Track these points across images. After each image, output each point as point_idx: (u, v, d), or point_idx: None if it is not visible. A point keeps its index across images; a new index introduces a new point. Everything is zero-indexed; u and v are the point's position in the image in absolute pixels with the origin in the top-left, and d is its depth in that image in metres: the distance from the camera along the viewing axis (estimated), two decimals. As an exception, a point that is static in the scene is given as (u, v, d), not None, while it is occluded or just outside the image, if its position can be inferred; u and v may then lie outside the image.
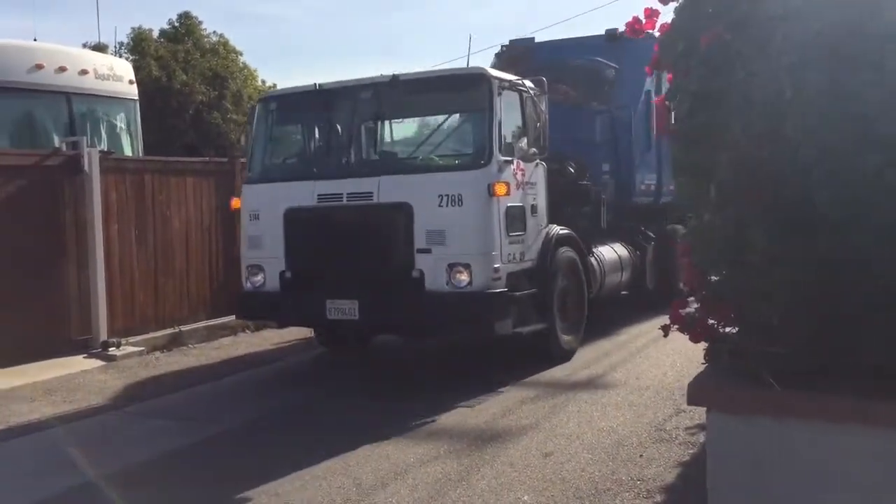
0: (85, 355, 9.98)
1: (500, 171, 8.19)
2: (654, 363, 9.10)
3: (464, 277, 7.96)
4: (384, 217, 8.35)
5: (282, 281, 8.70)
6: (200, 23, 33.30)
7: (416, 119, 10.38)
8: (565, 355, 9.31)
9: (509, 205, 8.31)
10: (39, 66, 11.96)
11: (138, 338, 10.49)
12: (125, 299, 10.74)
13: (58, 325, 10.04)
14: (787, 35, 3.47)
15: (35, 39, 13.56)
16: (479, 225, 8.07)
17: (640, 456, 6.05)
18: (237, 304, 9.65)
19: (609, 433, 6.62)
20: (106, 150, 11.50)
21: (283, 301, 8.71)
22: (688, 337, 3.96)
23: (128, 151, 13.12)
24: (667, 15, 4.06)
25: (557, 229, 9.32)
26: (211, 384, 9.05)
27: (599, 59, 11.85)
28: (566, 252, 9.43)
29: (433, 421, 7.12)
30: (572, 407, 7.43)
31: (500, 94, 8.38)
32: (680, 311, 3.95)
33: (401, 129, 10.38)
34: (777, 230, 3.50)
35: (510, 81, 8.68)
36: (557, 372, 8.89)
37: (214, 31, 33.49)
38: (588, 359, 9.51)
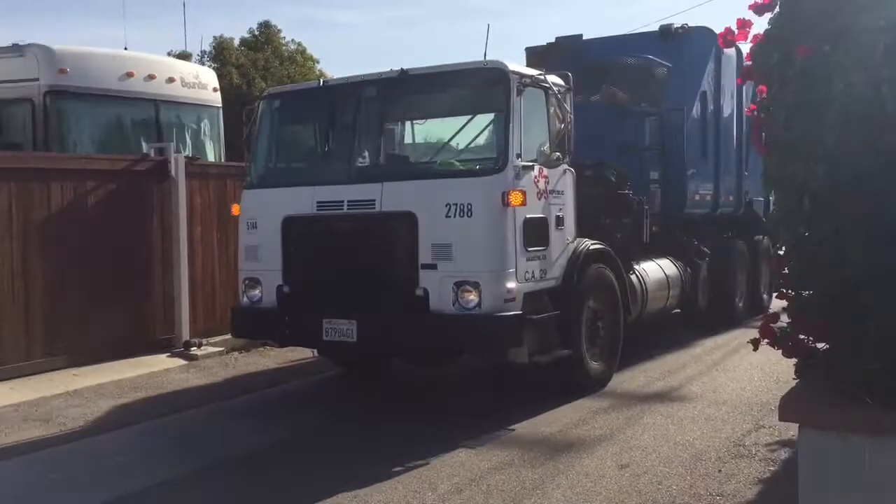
0: (168, 354, 10.06)
1: (518, 177, 7.15)
2: (731, 377, 8.75)
3: (472, 298, 6.93)
4: (386, 228, 7.41)
5: (279, 296, 7.79)
6: (279, 31, 33.96)
7: (427, 119, 9.11)
8: (594, 386, 8.11)
9: (528, 216, 7.25)
10: (130, 75, 12.22)
11: (218, 338, 10.48)
12: (206, 301, 10.79)
13: (143, 324, 10.14)
14: (889, 46, 3.37)
15: (126, 48, 13.98)
16: (491, 238, 7.04)
17: (719, 471, 5.82)
18: (232, 320, 8.54)
19: (686, 447, 6.38)
20: (191, 155, 11.78)
21: (279, 319, 7.78)
22: (780, 352, 3.86)
23: (211, 157, 13.13)
24: (759, 25, 3.99)
25: (588, 244, 8.13)
26: (285, 386, 9.01)
27: (651, 56, 10.82)
28: (598, 269, 8.27)
29: (506, 430, 6.94)
30: (647, 419, 7.19)
31: (519, 90, 7.28)
32: (771, 325, 3.87)
33: (410, 130, 9.15)
34: (875, 243, 3.39)
35: (531, 77, 7.54)
36: (630, 383, 8.56)
37: (293, 40, 34.10)
38: (663, 370, 9.15)
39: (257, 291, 7.96)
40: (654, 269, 10.12)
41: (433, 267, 7.07)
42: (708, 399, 7.90)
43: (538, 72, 7.79)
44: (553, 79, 7.81)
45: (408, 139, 9.08)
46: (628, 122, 10.45)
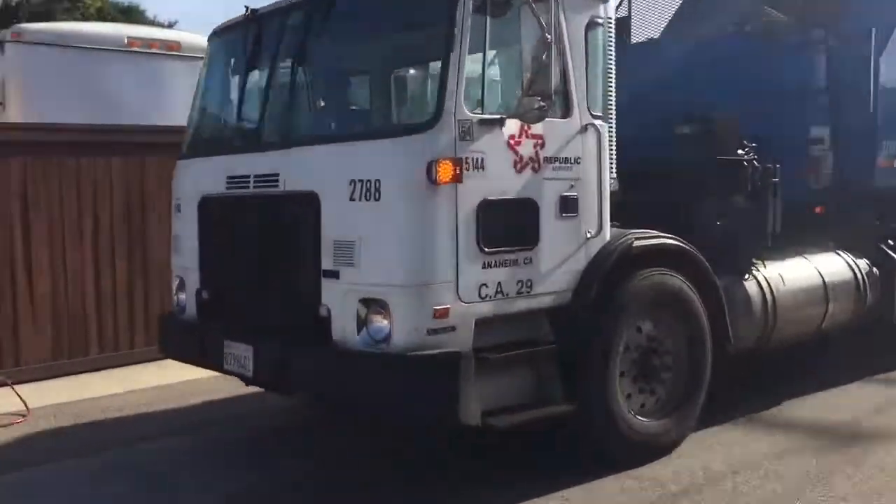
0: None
1: (467, 138, 4.52)
2: None
3: (382, 324, 4.53)
4: (287, 215, 5.09)
5: (198, 303, 5.75)
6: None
7: (359, 55, 5.94)
8: (641, 455, 5.27)
9: (490, 198, 4.62)
10: None
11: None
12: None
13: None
14: None
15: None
16: (405, 233, 4.51)
17: None
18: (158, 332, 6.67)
19: None
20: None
21: (190, 334, 5.80)
22: None
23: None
24: None
25: (631, 238, 5.28)
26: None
27: None
28: (655, 277, 5.38)
29: (785, 412, 6.26)
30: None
31: (479, 1, 4.59)
32: None
33: (338, 73, 6.03)
34: None
35: None
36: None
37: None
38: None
39: (183, 296, 5.96)
40: (801, 273, 6.77)
41: (335, 275, 4.71)
42: None
43: None
44: None
45: (335, 85, 6.06)
46: (782, 57, 7.11)
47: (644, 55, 7.58)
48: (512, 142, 4.74)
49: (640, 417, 5.33)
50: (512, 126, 4.70)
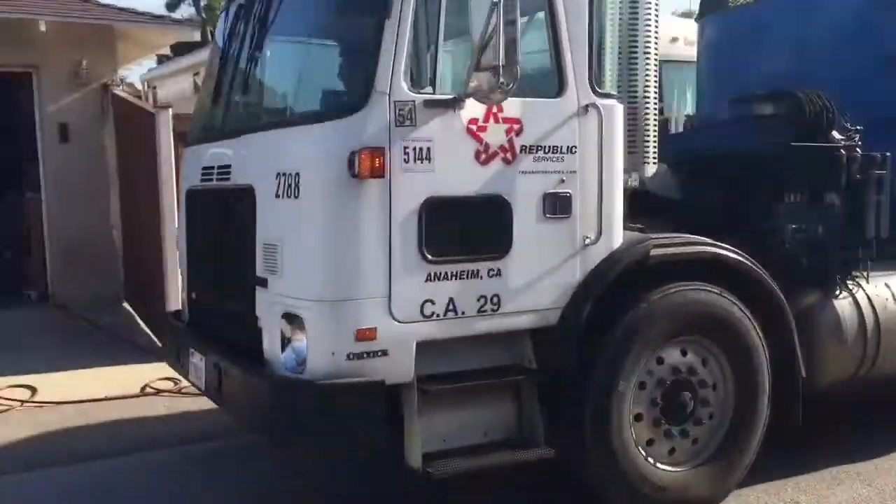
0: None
1: (407, 122, 3.71)
2: None
3: (302, 344, 3.80)
4: (232, 212, 4.42)
5: (187, 304, 5.19)
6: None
7: (305, 30, 5.00)
8: None
9: (437, 195, 3.79)
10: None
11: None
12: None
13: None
14: None
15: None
16: (323, 238, 3.76)
17: None
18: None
19: None
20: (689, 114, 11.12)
21: (171, 336, 5.35)
22: None
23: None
24: None
25: (650, 244, 4.25)
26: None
27: None
28: (679, 295, 4.28)
29: None
30: None
31: None
32: None
33: (285, 52, 5.15)
34: None
35: None
36: None
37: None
38: None
39: (184, 295, 5.36)
40: None
41: (264, 284, 4.03)
42: None
43: None
44: None
45: (293, 65, 5.18)
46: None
47: (743, 20, 6.40)
48: (474, 127, 3.85)
49: (661, 466, 4.32)
50: (474, 108, 3.80)
